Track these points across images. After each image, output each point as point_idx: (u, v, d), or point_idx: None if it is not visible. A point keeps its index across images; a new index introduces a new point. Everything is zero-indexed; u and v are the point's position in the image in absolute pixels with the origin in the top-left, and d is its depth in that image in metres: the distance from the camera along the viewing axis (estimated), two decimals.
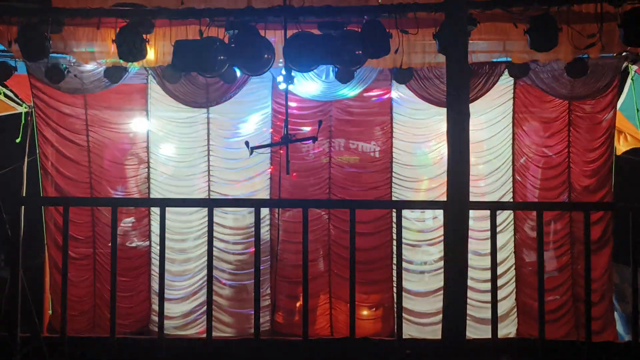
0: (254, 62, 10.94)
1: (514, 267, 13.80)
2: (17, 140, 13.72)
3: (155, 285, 13.78)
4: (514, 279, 13.80)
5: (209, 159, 14.09)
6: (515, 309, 13.75)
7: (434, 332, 12.57)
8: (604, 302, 13.23)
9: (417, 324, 13.53)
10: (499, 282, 10.70)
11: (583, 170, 13.64)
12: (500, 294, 11.19)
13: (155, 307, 13.45)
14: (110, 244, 6.89)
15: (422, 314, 13.62)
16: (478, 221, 11.69)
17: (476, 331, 12.54)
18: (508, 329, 13.58)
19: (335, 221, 13.91)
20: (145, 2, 11.21)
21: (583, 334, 12.85)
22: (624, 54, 12.43)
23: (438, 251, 13.53)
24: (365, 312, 13.77)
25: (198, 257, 13.90)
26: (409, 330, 13.11)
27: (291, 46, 10.82)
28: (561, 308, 13.51)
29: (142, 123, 14.05)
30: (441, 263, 12.55)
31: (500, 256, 12.54)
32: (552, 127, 13.79)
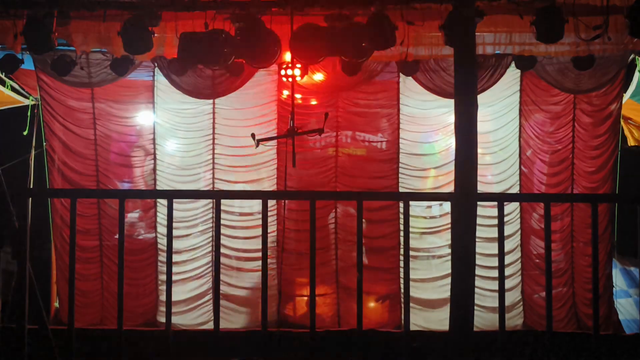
0: (260, 55, 10.90)
1: (520, 260, 13.81)
2: (25, 133, 13.74)
3: (162, 277, 13.79)
4: (520, 272, 13.81)
5: (213, 150, 14.11)
6: (522, 302, 13.76)
7: (441, 323, 12.55)
8: (604, 297, 13.21)
9: (424, 312, 13.52)
10: (506, 273, 10.72)
11: (588, 163, 13.63)
12: (507, 284, 11.15)
13: (163, 297, 13.48)
14: (117, 236, 6.90)
15: (429, 302, 13.60)
16: (485, 208, 11.66)
17: (483, 321, 12.55)
18: (514, 320, 13.59)
19: (342, 210, 13.88)
20: None
21: (585, 327, 13.03)
22: (630, 45, 12.36)
23: (445, 239, 13.51)
24: (372, 303, 13.76)
25: (204, 246, 13.94)
26: (416, 319, 13.08)
27: (297, 38, 10.79)
28: (563, 306, 13.52)
29: (149, 115, 14.07)
30: (447, 250, 12.54)
31: (506, 247, 12.56)
32: (558, 120, 13.78)
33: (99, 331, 12.24)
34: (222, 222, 12.82)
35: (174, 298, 6.99)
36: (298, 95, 13.20)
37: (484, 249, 12.12)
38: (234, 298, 13.74)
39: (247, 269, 13.82)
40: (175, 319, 12.28)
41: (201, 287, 13.93)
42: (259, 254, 6.75)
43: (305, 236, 6.77)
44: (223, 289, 13.45)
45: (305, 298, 13.70)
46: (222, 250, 13.10)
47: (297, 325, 13.41)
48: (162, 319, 13.44)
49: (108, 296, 13.71)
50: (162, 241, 13.80)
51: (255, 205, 13.65)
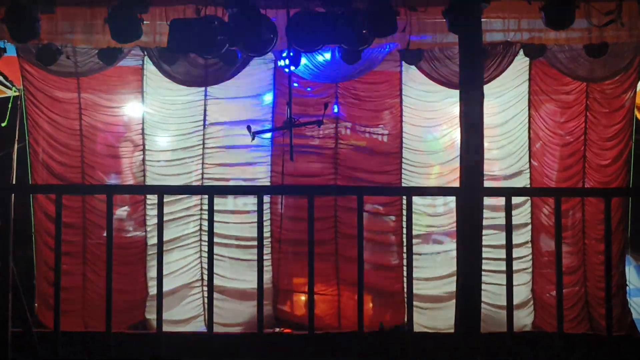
0: (255, 42, 10.87)
1: (531, 256, 13.78)
2: (3, 124, 13.69)
3: (150, 273, 13.74)
4: (530, 268, 13.79)
5: (203, 143, 14.06)
6: (532, 300, 13.75)
7: (447, 323, 12.52)
8: (617, 296, 13.19)
9: (429, 312, 13.51)
10: (516, 268, 10.68)
11: (601, 156, 13.60)
12: (517, 280, 11.12)
13: (152, 292, 13.48)
14: (105, 234, 6.87)
15: (434, 300, 13.58)
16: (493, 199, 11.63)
17: (493, 321, 12.53)
18: (524, 320, 13.55)
19: (343, 201, 13.84)
20: None
21: (597, 327, 13.02)
22: None
23: (449, 238, 13.51)
24: (373, 303, 13.76)
25: (193, 233, 14.05)
26: (421, 319, 13.09)
27: (294, 25, 10.77)
28: (574, 305, 13.51)
29: (138, 106, 14.02)
30: (452, 245, 12.51)
31: (517, 240, 12.58)
32: (570, 110, 13.75)
33: (87, 334, 12.23)
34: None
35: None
36: (295, 85, 13.16)
37: (493, 241, 12.08)
38: (226, 291, 13.72)
39: (240, 258, 13.79)
40: (164, 315, 12.27)
41: (191, 279, 13.93)
42: (254, 243, 6.70)
43: (303, 226, 6.73)
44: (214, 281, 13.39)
45: (304, 295, 13.67)
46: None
47: (294, 323, 13.43)
48: (150, 316, 13.48)
49: (92, 295, 13.63)
50: (151, 234, 13.81)
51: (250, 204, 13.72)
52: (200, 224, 13.95)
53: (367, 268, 13.82)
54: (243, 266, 13.70)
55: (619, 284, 13.23)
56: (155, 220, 13.34)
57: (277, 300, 13.83)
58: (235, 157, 14.09)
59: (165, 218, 13.10)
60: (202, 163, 14.08)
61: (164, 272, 13.03)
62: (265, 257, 13.34)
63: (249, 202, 13.81)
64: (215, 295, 13.30)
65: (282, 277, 13.86)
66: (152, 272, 13.49)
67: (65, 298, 13.17)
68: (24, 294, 6.47)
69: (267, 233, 13.78)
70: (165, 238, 12.93)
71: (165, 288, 12.91)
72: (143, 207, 13.93)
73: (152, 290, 13.47)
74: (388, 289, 13.76)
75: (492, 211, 11.33)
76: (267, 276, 13.64)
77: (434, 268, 13.79)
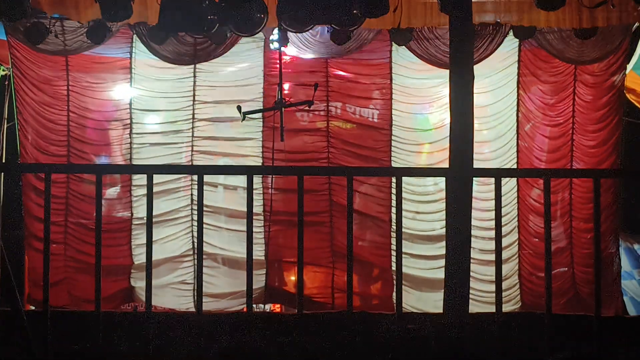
0: (246, 22, 10.84)
1: (517, 242, 13.77)
2: None
3: (136, 241, 13.78)
4: (517, 255, 13.78)
5: (193, 124, 14.01)
6: (518, 285, 13.74)
7: (436, 304, 12.56)
8: (607, 278, 13.18)
9: (419, 293, 13.58)
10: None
11: (589, 137, 13.61)
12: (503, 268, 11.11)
13: (137, 261, 13.71)
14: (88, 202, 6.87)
15: (424, 282, 13.62)
16: (480, 189, 11.64)
17: (477, 309, 12.57)
18: (510, 305, 13.54)
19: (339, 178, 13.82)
20: None
21: (587, 308, 13.05)
22: (635, 13, 12.33)
23: (438, 217, 13.53)
24: (366, 282, 13.83)
25: (186, 210, 14.03)
26: (410, 300, 13.15)
27: (285, 5, 10.73)
28: (563, 291, 13.53)
29: (126, 85, 13.93)
30: (441, 224, 12.52)
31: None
32: (559, 92, 13.73)
33: (75, 313, 12.25)
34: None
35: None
36: (286, 65, 13.12)
37: (479, 232, 12.10)
38: (218, 258, 13.80)
39: (230, 228, 13.83)
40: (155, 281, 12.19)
41: (180, 249, 13.92)
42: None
43: (296, 198, 6.66)
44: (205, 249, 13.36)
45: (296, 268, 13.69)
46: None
47: (287, 295, 13.47)
48: (135, 284, 13.66)
49: (74, 266, 13.61)
50: (137, 203, 13.86)
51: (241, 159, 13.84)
52: (192, 194, 13.91)
53: (364, 244, 13.94)
54: (235, 237, 13.68)
55: (608, 266, 13.22)
56: (140, 192, 13.52)
57: (269, 274, 13.81)
58: (225, 133, 14.10)
59: (155, 189, 13.26)
60: (192, 157, 14.09)
61: (155, 240, 13.19)
62: (258, 229, 13.45)
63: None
64: (209, 264, 13.42)
65: (275, 249, 13.83)
66: (137, 241, 13.67)
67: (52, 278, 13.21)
68: (15, 273, 6.45)
69: (259, 208, 13.78)
70: (156, 212, 13.17)
71: (157, 257, 13.08)
72: (129, 177, 13.83)
73: (138, 259, 13.63)
74: (384, 265, 13.78)
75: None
76: (260, 249, 13.64)
77: (422, 250, 13.83)
